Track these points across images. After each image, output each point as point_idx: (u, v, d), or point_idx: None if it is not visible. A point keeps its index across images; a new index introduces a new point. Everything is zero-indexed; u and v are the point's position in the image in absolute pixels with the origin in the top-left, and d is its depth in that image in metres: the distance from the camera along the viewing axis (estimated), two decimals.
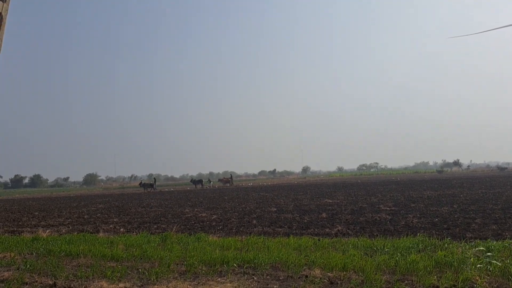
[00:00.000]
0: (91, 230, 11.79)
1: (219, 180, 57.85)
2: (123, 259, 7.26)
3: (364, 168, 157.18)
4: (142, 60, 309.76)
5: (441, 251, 6.52)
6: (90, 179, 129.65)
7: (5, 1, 3.79)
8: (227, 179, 53.70)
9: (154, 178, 51.95)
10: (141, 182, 49.57)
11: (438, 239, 7.71)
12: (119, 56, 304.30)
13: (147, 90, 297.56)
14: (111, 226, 12.78)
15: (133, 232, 10.94)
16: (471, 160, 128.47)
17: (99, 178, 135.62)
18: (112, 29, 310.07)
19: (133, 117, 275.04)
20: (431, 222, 10.49)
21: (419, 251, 6.76)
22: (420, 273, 5.39)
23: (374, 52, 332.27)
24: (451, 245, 7.04)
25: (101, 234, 10.64)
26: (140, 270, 6.37)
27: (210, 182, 55.01)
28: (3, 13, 3.68)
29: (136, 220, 14.27)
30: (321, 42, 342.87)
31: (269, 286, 5.29)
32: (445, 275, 5.22)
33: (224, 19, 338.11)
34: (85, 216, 16.63)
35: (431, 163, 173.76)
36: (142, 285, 5.55)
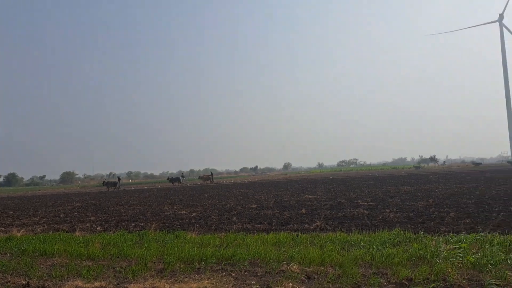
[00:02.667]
0: (67, 229, 11.57)
1: (199, 177, 57.15)
2: (99, 258, 7.16)
3: (343, 164, 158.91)
4: (120, 56, 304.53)
5: (415, 244, 6.66)
6: (67, 177, 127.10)
7: None
8: (208, 176, 53.19)
9: (118, 177, 50.23)
10: (104, 181, 48.27)
11: (413, 233, 7.88)
12: (94, 53, 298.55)
13: (125, 87, 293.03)
14: (87, 225, 12.57)
15: (110, 231, 10.78)
16: (447, 156, 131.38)
17: (77, 176, 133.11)
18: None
19: (111, 114, 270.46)
20: (407, 217, 10.69)
21: (395, 245, 6.88)
22: (395, 266, 5.49)
23: (357, 48, 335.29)
24: (425, 238, 7.20)
25: (77, 233, 10.45)
26: (116, 268, 6.29)
27: (184, 177, 54.10)
28: None
29: (113, 218, 14.07)
30: (301, 39, 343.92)
31: (246, 282, 5.29)
32: (419, 268, 5.33)
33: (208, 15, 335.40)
34: (61, 215, 16.30)
35: (408, 159, 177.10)
36: (118, 284, 5.48)
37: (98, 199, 26.50)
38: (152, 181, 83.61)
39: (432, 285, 4.72)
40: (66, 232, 10.91)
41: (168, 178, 54.53)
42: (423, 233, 7.77)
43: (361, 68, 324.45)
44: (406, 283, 4.90)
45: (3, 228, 12.56)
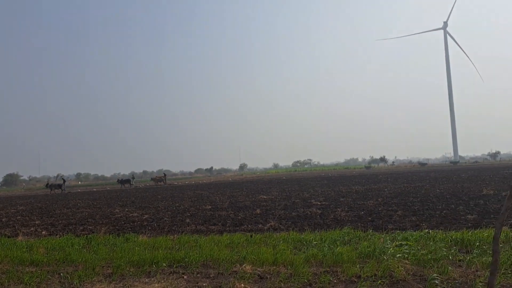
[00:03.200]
0: (9, 234, 10.93)
1: (152, 179, 55.74)
2: (43, 263, 6.82)
3: (298, 164, 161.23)
4: (67, 51, 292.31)
5: (364, 242, 6.87)
6: (11, 179, 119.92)
7: None
8: (160, 178, 51.97)
9: (62, 178, 47.49)
10: (48, 183, 45.88)
11: (362, 231, 8.15)
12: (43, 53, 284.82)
13: (74, 83, 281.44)
14: (32, 229, 11.92)
15: (56, 235, 10.29)
16: (395, 157, 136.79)
17: (21, 178, 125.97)
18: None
19: (59, 112, 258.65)
20: (357, 215, 11.02)
21: (345, 243, 7.07)
22: (345, 264, 5.64)
23: (312, 49, 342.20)
24: (373, 236, 7.45)
25: (20, 238, 9.89)
26: (62, 274, 6.01)
27: (134, 178, 52.44)
28: None
29: (60, 222, 13.44)
30: (247, 40, 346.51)
31: (198, 284, 5.23)
32: (367, 264, 5.51)
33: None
34: (3, 219, 15.37)
35: (360, 159, 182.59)
36: None
37: (44, 202, 25.24)
38: (102, 183, 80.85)
39: (379, 281, 4.88)
40: (8, 237, 10.30)
41: (118, 180, 52.55)
42: (372, 231, 8.05)
43: (311, 71, 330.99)
44: (355, 280, 5.05)
45: None
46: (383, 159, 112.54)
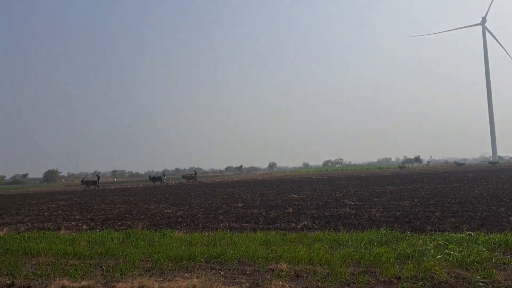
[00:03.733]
0: (51, 228, 11.39)
1: (183, 176, 56.40)
2: (86, 256, 7.08)
3: (329, 164, 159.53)
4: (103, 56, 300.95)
5: (403, 243, 6.74)
6: (51, 175, 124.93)
7: None
8: (191, 175, 52.61)
9: (97, 175, 48.44)
10: (83, 179, 47.23)
11: (400, 232, 7.97)
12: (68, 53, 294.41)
13: (108, 84, 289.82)
14: (73, 223, 12.40)
15: (96, 229, 10.65)
16: (430, 156, 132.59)
17: (61, 174, 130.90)
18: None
19: (96, 112, 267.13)
20: (393, 216, 10.80)
21: (382, 244, 6.95)
22: (383, 265, 5.55)
23: (339, 48, 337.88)
24: (412, 237, 7.29)
25: (62, 232, 10.31)
26: (103, 267, 6.23)
27: (164, 176, 53.20)
28: None
29: (99, 217, 13.90)
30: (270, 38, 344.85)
31: (236, 280, 5.29)
32: (406, 266, 5.40)
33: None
34: (45, 214, 16.04)
35: (393, 159, 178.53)
36: (106, 283, 5.42)
37: (83, 198, 26.16)
38: (136, 180, 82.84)
39: (420, 282, 4.78)
40: (51, 230, 10.74)
41: (149, 177, 53.26)
42: (410, 232, 7.87)
43: (345, 68, 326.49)
44: (395, 281, 4.97)
45: None
46: (417, 159, 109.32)
